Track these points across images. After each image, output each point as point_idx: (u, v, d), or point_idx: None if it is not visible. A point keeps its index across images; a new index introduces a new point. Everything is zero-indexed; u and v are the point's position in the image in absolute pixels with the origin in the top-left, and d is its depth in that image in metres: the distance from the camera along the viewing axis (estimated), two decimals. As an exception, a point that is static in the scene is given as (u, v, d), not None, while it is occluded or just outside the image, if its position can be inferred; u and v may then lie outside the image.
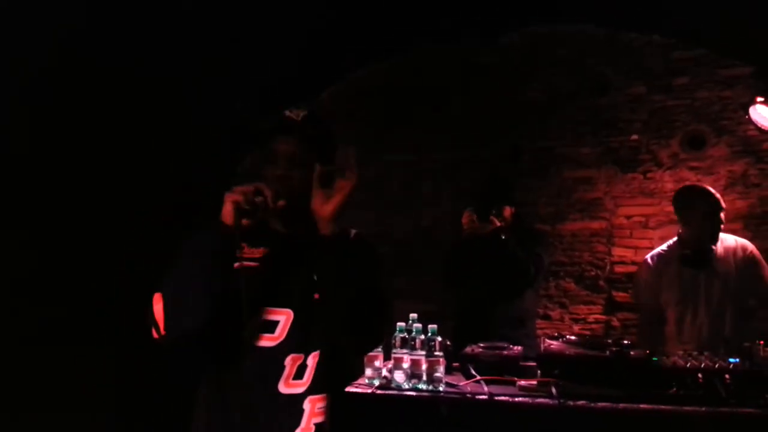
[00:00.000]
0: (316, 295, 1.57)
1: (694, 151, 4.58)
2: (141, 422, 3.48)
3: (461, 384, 2.47)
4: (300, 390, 1.55)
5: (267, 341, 1.56)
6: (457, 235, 3.47)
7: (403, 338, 2.52)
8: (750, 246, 3.29)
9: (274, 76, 4.12)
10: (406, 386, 2.45)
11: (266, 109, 1.74)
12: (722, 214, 3.26)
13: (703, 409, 2.10)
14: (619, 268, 4.64)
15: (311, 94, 5.09)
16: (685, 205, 3.34)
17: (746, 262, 3.22)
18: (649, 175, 4.65)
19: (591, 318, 4.67)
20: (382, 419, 2.39)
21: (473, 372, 2.54)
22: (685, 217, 3.33)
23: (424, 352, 2.47)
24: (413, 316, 2.61)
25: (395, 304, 3.70)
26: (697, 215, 3.25)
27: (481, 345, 2.74)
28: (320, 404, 1.56)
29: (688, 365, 2.26)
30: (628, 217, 4.66)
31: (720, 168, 4.47)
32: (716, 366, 2.24)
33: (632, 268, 4.58)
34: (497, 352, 2.66)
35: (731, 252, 3.24)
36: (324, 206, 1.51)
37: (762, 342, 2.32)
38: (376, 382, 2.51)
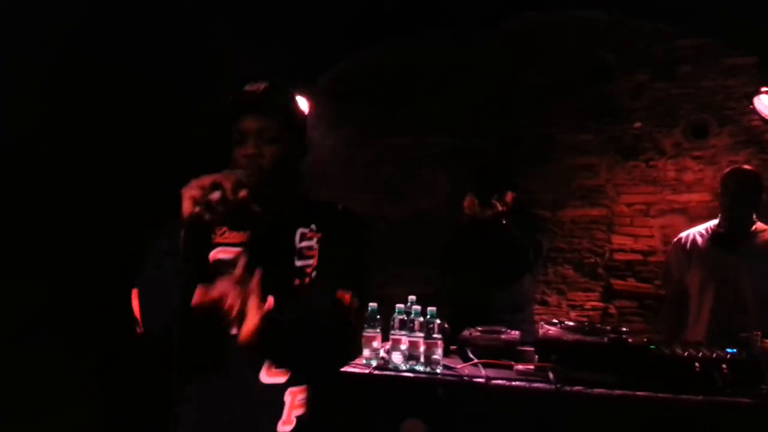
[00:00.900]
0: (306, 280, 1.53)
1: (697, 140, 4.57)
2: (125, 416, 3.48)
3: (458, 367, 2.48)
4: (281, 380, 1.50)
5: None
6: (457, 219, 3.46)
7: (401, 320, 2.53)
8: None
9: (269, 61, 4.08)
10: (404, 367, 2.46)
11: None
12: (758, 197, 3.22)
13: (700, 397, 2.11)
14: (618, 256, 4.65)
15: (310, 78, 5.05)
16: (722, 185, 3.33)
17: None
18: (651, 163, 4.64)
19: (588, 305, 4.69)
20: (379, 399, 2.39)
21: (471, 355, 2.55)
22: (722, 196, 3.33)
23: (422, 334, 2.47)
24: (412, 298, 2.61)
25: (391, 288, 3.74)
26: (728, 193, 3.24)
27: (479, 329, 2.75)
28: (301, 396, 1.51)
29: (685, 354, 2.27)
30: (629, 205, 4.65)
31: (722, 158, 4.45)
32: (713, 355, 2.24)
33: (631, 256, 4.59)
34: (495, 336, 2.67)
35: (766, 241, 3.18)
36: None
37: (759, 333, 2.32)
38: (374, 363, 2.51)
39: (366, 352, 2.55)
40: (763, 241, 3.19)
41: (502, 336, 2.68)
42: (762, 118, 4.09)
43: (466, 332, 2.73)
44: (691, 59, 4.61)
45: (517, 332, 2.75)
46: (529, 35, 4.94)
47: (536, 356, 2.49)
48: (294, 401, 1.50)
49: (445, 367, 2.46)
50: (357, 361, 2.54)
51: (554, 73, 4.88)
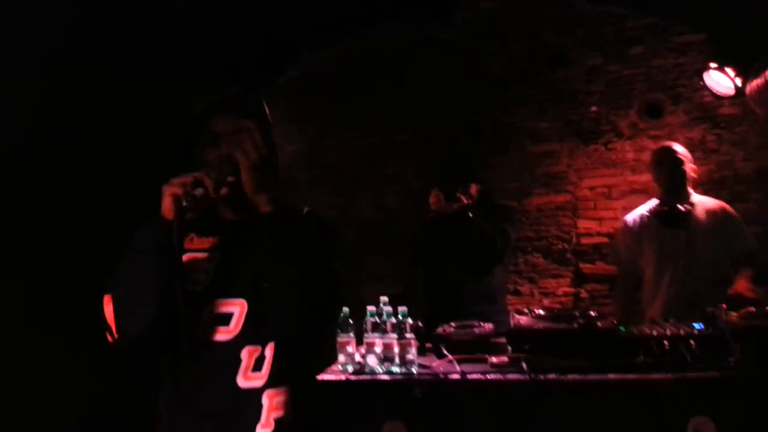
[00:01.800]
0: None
1: (652, 119, 4.66)
2: (105, 425, 3.44)
3: (434, 365, 2.48)
4: (259, 383, 1.50)
5: (222, 335, 1.51)
6: (424, 215, 3.47)
7: (374, 322, 2.51)
8: (728, 207, 3.34)
9: (230, 61, 4.05)
10: (380, 370, 2.45)
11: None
12: (687, 168, 3.32)
13: (670, 375, 2.14)
14: (585, 240, 4.71)
15: (268, 78, 5.01)
16: (653, 163, 3.44)
17: (726, 221, 3.27)
18: (610, 145, 4.71)
19: (560, 291, 4.74)
20: (358, 405, 2.38)
21: (445, 352, 2.55)
22: (655, 175, 3.43)
23: (395, 335, 2.46)
24: (384, 299, 2.60)
25: (363, 288, 3.73)
26: (663, 170, 3.34)
27: (453, 324, 2.76)
28: (279, 398, 1.51)
29: (654, 333, 2.30)
30: (592, 189, 4.72)
31: (678, 135, 4.54)
32: (681, 332, 2.28)
33: (598, 240, 4.66)
34: (468, 330, 2.68)
35: (711, 212, 3.29)
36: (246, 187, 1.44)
37: (725, 306, 2.37)
38: (350, 368, 2.50)
39: (341, 358, 2.54)
40: (704, 212, 3.29)
41: (476, 330, 2.69)
42: (713, 94, 4.17)
43: (440, 329, 2.74)
44: (642, 40, 4.69)
45: (490, 325, 2.76)
46: (485, 24, 4.97)
47: (509, 347, 2.51)
48: (272, 404, 1.50)
49: (421, 366, 2.46)
50: (333, 367, 2.52)
51: (511, 62, 4.93)
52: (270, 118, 1.67)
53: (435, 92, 4.96)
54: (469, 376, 2.32)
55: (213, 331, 1.50)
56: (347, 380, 2.42)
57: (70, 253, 3.35)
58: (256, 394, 1.50)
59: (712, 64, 4.00)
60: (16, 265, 3.17)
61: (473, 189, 3.44)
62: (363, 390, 2.40)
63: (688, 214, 3.27)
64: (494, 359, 2.43)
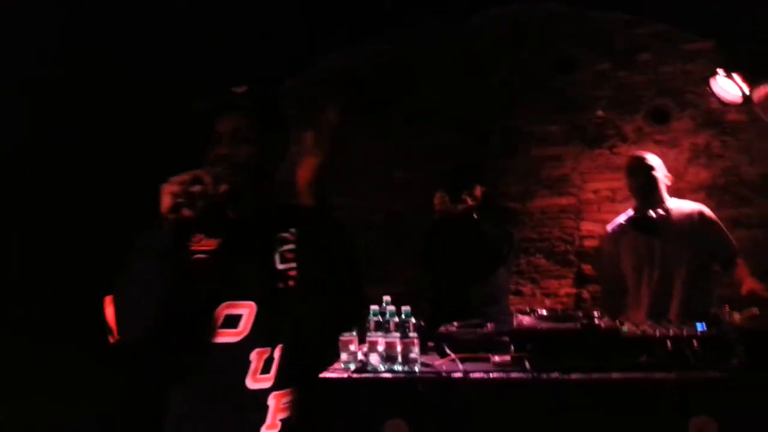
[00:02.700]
0: (290, 282, 1.53)
1: (658, 125, 4.65)
2: (114, 421, 3.43)
3: (436, 363, 2.49)
4: (267, 385, 1.50)
5: (230, 337, 1.49)
6: (431, 218, 3.47)
7: (377, 321, 2.52)
8: (706, 210, 3.33)
9: (242, 66, 4.07)
10: (382, 368, 2.46)
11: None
12: (659, 175, 3.33)
13: (673, 375, 2.15)
14: (588, 242, 4.71)
15: (278, 83, 5.03)
16: (626, 172, 3.47)
17: (703, 225, 3.26)
18: (615, 150, 4.70)
19: (562, 292, 4.74)
20: (360, 402, 2.39)
21: (448, 351, 2.55)
22: (628, 183, 3.45)
23: (398, 334, 2.47)
24: (386, 298, 2.61)
25: (367, 288, 3.72)
26: (633, 179, 3.37)
27: (455, 324, 2.77)
28: (285, 399, 1.51)
29: (657, 333, 2.30)
30: (596, 192, 4.72)
31: (684, 141, 4.54)
32: (684, 333, 2.28)
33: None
34: (471, 330, 2.68)
35: (687, 217, 3.27)
36: (300, 174, 1.46)
37: (727, 307, 2.37)
38: (352, 366, 2.51)
39: (343, 356, 2.55)
40: (680, 217, 3.28)
41: (478, 329, 2.70)
42: (719, 100, 4.16)
43: (442, 328, 2.75)
44: (651, 46, 4.69)
45: (492, 324, 2.77)
46: (492, 31, 4.98)
47: (512, 347, 2.51)
48: (278, 405, 1.50)
49: (424, 364, 2.46)
50: (335, 365, 2.53)
51: (518, 66, 4.93)
52: (283, 118, 1.67)
53: (444, 97, 4.97)
54: (472, 375, 2.32)
55: (221, 334, 1.49)
56: (349, 378, 2.42)
57: (70, 254, 3.35)
58: (263, 395, 1.49)
59: (720, 71, 4.00)
60: (17, 265, 3.17)
61: (478, 191, 3.45)
62: (365, 388, 2.41)
63: (662, 221, 3.26)
64: (497, 358, 2.44)
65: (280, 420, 1.50)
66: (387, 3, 4.42)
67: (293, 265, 1.54)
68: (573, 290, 4.71)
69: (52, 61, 3.01)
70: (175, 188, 1.36)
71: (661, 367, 2.18)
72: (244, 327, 1.49)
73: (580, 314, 2.56)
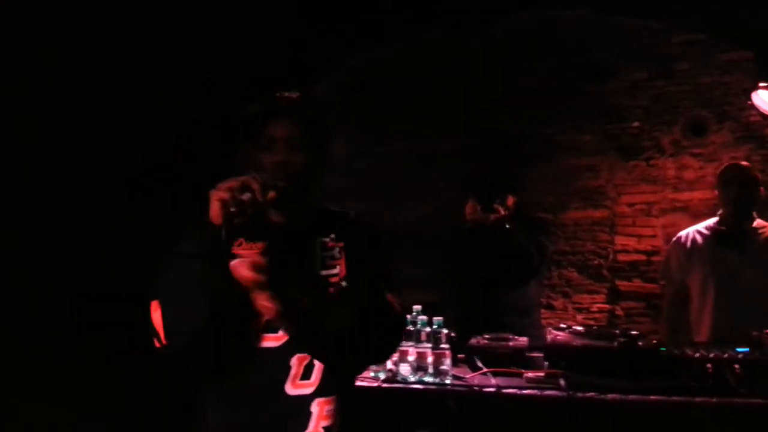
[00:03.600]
0: (330, 289, 1.52)
1: (696, 137, 4.56)
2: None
3: (468, 376, 2.46)
4: (308, 391, 1.48)
5: (271, 341, 1.48)
6: (460, 225, 3.44)
7: (408, 330, 2.50)
8: None
9: (263, 69, 4.07)
10: (412, 379, 2.43)
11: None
12: (757, 191, 3.18)
13: (714, 399, 2.09)
14: (622, 257, 4.63)
15: (303, 86, 5.02)
16: (722, 182, 3.28)
17: None
18: (651, 162, 4.62)
19: (594, 307, 4.66)
20: (389, 412, 2.37)
21: (480, 364, 2.52)
22: (722, 194, 3.26)
23: (429, 345, 2.45)
24: (417, 308, 2.58)
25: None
26: (732, 191, 3.18)
27: (486, 336, 2.73)
28: (328, 407, 1.49)
29: (697, 355, 2.24)
30: (631, 205, 4.64)
31: (722, 154, 4.44)
32: (725, 356, 2.22)
33: (635, 257, 4.57)
34: (503, 343, 2.64)
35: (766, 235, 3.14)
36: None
37: (768, 331, 2.30)
38: (382, 375, 2.49)
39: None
40: (762, 236, 3.15)
41: (510, 343, 2.66)
42: (761, 114, 4.07)
43: (473, 340, 2.71)
44: (688, 56, 4.60)
45: (525, 338, 2.72)
46: (525, 36, 4.92)
47: (546, 363, 2.47)
48: (322, 412, 1.48)
49: (455, 377, 2.43)
50: (365, 374, 2.51)
51: (551, 73, 4.87)
52: (328, 125, 1.65)
53: (473, 103, 4.93)
54: (504, 390, 2.29)
55: (261, 338, 1.49)
56: (379, 387, 2.40)
57: (73, 254, 3.35)
58: (305, 402, 1.48)
59: (762, 84, 3.90)
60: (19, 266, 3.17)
61: (510, 200, 3.40)
62: (395, 398, 2.39)
63: (746, 237, 3.14)
64: (530, 374, 2.40)
65: (323, 428, 1.48)
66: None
67: (335, 271, 1.54)
68: (606, 306, 4.64)
69: (52, 61, 3.00)
70: (224, 195, 1.35)
71: (702, 391, 2.12)
72: (285, 332, 1.49)
73: (617, 332, 2.50)
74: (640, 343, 2.32)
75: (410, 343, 2.48)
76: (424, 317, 2.50)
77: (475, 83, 4.95)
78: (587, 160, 4.76)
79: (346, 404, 1.53)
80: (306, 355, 1.49)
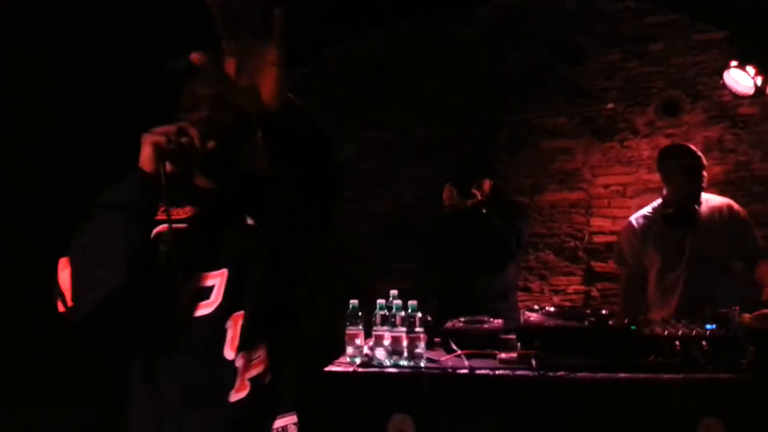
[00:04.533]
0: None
1: (669, 117, 4.61)
2: (69, 408, 3.28)
3: (442, 359, 2.47)
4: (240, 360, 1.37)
5: (204, 308, 1.38)
6: (439, 212, 3.45)
7: (383, 315, 2.51)
8: (735, 204, 3.27)
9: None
10: (388, 363, 2.44)
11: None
12: (704, 172, 3.24)
13: (681, 376, 2.12)
14: (597, 238, 4.68)
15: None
16: (666, 164, 3.33)
17: (733, 220, 3.20)
18: (625, 143, 4.67)
19: (571, 289, 4.72)
20: (365, 397, 2.38)
21: (454, 347, 2.54)
22: (667, 175, 3.32)
23: (404, 329, 2.45)
24: (393, 292, 2.59)
25: (375, 283, 3.70)
26: (678, 172, 3.23)
27: (462, 319, 2.74)
28: (254, 356, 1.39)
29: (665, 333, 2.28)
30: (606, 187, 4.69)
31: (696, 134, 4.49)
32: (693, 333, 2.25)
33: (611, 238, 4.62)
34: (478, 326, 2.66)
35: (716, 211, 3.22)
36: (263, 86, 1.12)
37: (738, 308, 2.34)
38: (358, 360, 2.49)
39: (349, 350, 2.54)
40: (709, 211, 3.21)
41: (485, 326, 2.68)
42: (732, 93, 4.11)
43: (449, 323, 2.72)
44: (661, 36, 4.64)
45: (500, 321, 2.75)
46: (501, 22, 4.94)
47: (519, 344, 2.49)
48: (245, 364, 1.37)
49: (429, 360, 2.45)
50: (340, 359, 2.52)
51: (527, 58, 4.89)
52: None
53: (452, 89, 4.94)
54: (478, 372, 2.30)
55: (194, 308, 1.38)
56: (355, 372, 2.41)
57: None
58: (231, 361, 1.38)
59: (733, 63, 3.94)
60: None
61: (486, 184, 3.42)
62: (370, 382, 2.39)
63: (695, 215, 3.20)
64: (503, 355, 2.42)
65: (249, 380, 1.38)
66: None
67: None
68: (582, 287, 4.69)
69: (53, 61, 2.98)
70: (158, 138, 1.23)
71: (670, 368, 2.15)
72: (216, 296, 1.39)
73: (589, 312, 2.53)
74: (610, 322, 2.35)
75: (385, 328, 2.49)
76: (399, 302, 2.51)
77: (453, 71, 4.96)
78: (563, 143, 4.79)
79: (276, 351, 1.42)
80: (240, 312, 1.39)
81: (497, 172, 3.58)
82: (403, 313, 2.49)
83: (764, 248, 3.23)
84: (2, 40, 2.67)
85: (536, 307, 2.63)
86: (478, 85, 4.91)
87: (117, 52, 3.16)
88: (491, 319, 2.74)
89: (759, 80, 3.88)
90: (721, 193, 3.74)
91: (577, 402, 2.18)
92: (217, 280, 1.40)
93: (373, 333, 2.50)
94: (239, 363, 1.37)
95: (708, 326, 2.29)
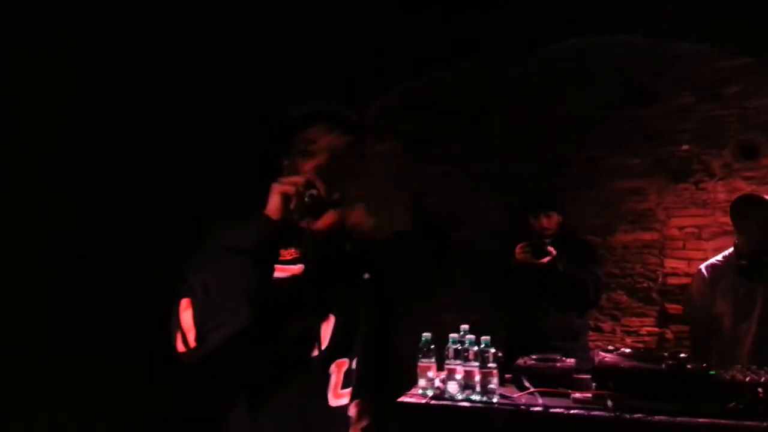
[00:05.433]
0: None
1: (747, 160, 4.50)
2: None
3: (515, 396, 2.48)
4: (347, 400, 1.45)
5: (310, 352, 1.43)
6: (505, 253, 3.39)
7: (455, 349, 2.54)
8: None
9: (318, 94, 4.17)
10: (460, 397, 2.47)
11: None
12: None
13: (765, 424, 2.07)
14: (672, 280, 4.58)
15: (357, 105, 5.14)
16: (742, 214, 3.25)
17: None
18: (701, 185, 4.58)
19: (643, 330, 4.61)
20: (436, 430, 2.41)
21: (527, 384, 2.54)
22: (742, 226, 3.25)
23: (477, 363, 2.48)
24: (465, 327, 2.62)
25: (442, 315, 3.71)
26: (753, 224, 3.16)
27: (534, 357, 2.74)
28: (363, 408, 1.47)
29: (747, 379, 2.23)
30: (681, 228, 4.60)
31: (774, 178, 4.38)
32: (777, 380, 2.20)
33: (685, 280, 4.50)
34: (550, 364, 2.66)
35: None
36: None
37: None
38: (430, 393, 2.53)
39: (421, 382, 2.57)
40: None
41: (558, 364, 2.67)
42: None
43: (520, 360, 2.73)
44: (737, 80, 4.56)
45: (572, 360, 2.73)
46: (571, 60, 4.96)
47: (593, 384, 2.47)
48: (358, 415, 1.46)
49: (502, 396, 2.46)
50: (413, 390, 2.56)
51: (597, 97, 4.88)
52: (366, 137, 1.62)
53: (519, 125, 4.98)
54: (552, 410, 2.30)
55: (300, 351, 1.43)
56: (427, 404, 2.44)
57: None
58: (344, 408, 1.46)
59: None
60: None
61: (554, 219, 3.42)
62: (443, 415, 2.42)
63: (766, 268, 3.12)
64: (578, 395, 2.40)
65: (361, 429, 1.46)
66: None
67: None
68: (656, 329, 4.58)
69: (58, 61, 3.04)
70: (288, 188, 1.30)
71: (752, 415, 2.10)
72: (323, 341, 1.44)
73: (666, 355, 2.50)
74: (688, 366, 2.32)
75: (458, 362, 2.52)
76: (472, 336, 2.53)
77: (521, 106, 5.00)
78: (635, 183, 4.74)
79: (389, 411, 1.60)
80: (344, 360, 1.46)
81: (565, 209, 3.56)
82: (476, 348, 2.51)
83: None
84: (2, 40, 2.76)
85: (610, 347, 2.60)
86: (544, 122, 4.93)
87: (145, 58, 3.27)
88: (563, 358, 2.73)
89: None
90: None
91: (654, 445, 2.15)
92: (325, 326, 1.45)
93: (446, 366, 2.53)
94: (352, 412, 1.46)
95: (792, 374, 2.23)
